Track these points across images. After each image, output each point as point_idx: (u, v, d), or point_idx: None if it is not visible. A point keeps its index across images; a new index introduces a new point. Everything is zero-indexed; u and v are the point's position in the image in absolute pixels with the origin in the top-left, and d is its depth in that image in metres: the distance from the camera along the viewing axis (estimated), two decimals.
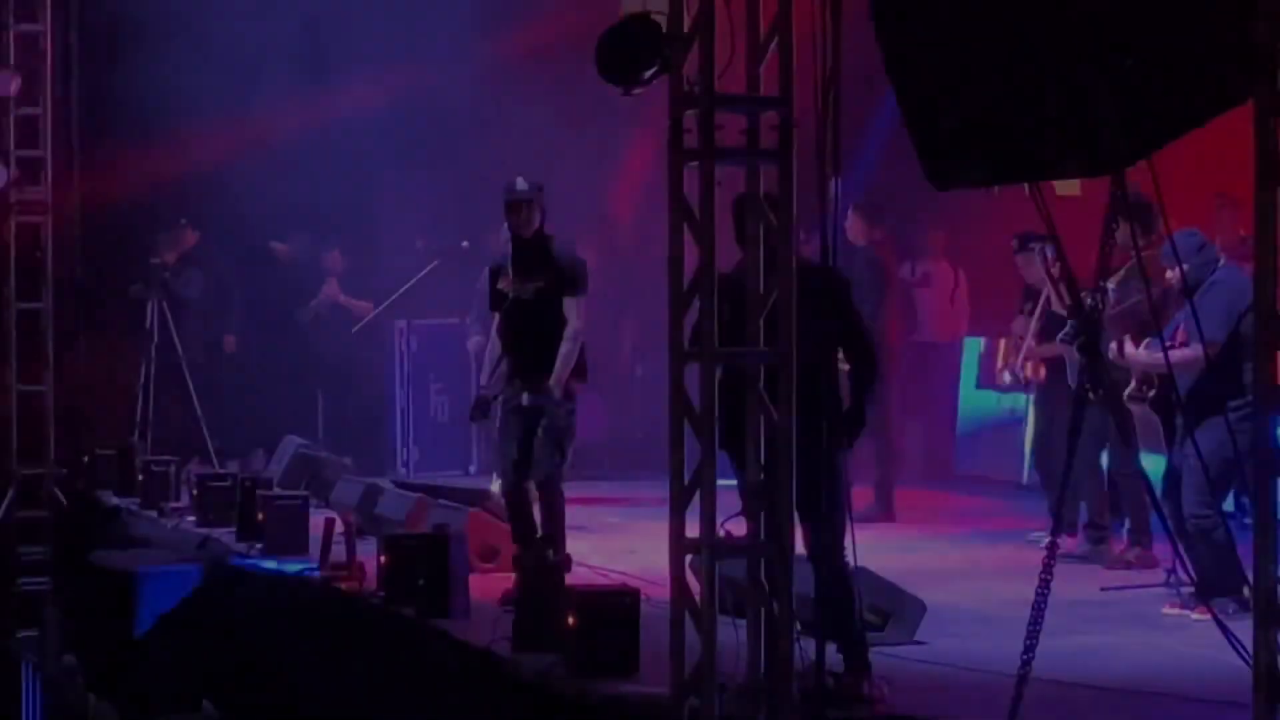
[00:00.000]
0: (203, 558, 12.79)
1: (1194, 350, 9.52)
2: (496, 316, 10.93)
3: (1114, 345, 10.36)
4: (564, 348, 10.50)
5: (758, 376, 7.54)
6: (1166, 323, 10.25)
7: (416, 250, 17.26)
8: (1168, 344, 9.62)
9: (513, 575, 9.89)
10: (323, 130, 16.66)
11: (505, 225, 10.93)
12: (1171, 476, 9.97)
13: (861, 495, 13.60)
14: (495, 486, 14.47)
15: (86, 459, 16.08)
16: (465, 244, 17.14)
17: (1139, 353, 10.27)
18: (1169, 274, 10.06)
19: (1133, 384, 10.33)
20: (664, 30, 7.43)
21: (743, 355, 7.57)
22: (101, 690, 12.30)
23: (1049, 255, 11.65)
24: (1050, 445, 12.34)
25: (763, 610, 7.52)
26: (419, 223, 17.47)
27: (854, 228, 13.20)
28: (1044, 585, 7.00)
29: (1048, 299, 11.96)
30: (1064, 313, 11.39)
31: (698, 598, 7.46)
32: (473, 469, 16.57)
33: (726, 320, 7.49)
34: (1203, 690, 8.10)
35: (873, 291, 12.68)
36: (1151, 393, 10.21)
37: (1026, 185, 7.00)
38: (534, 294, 10.60)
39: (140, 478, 14.88)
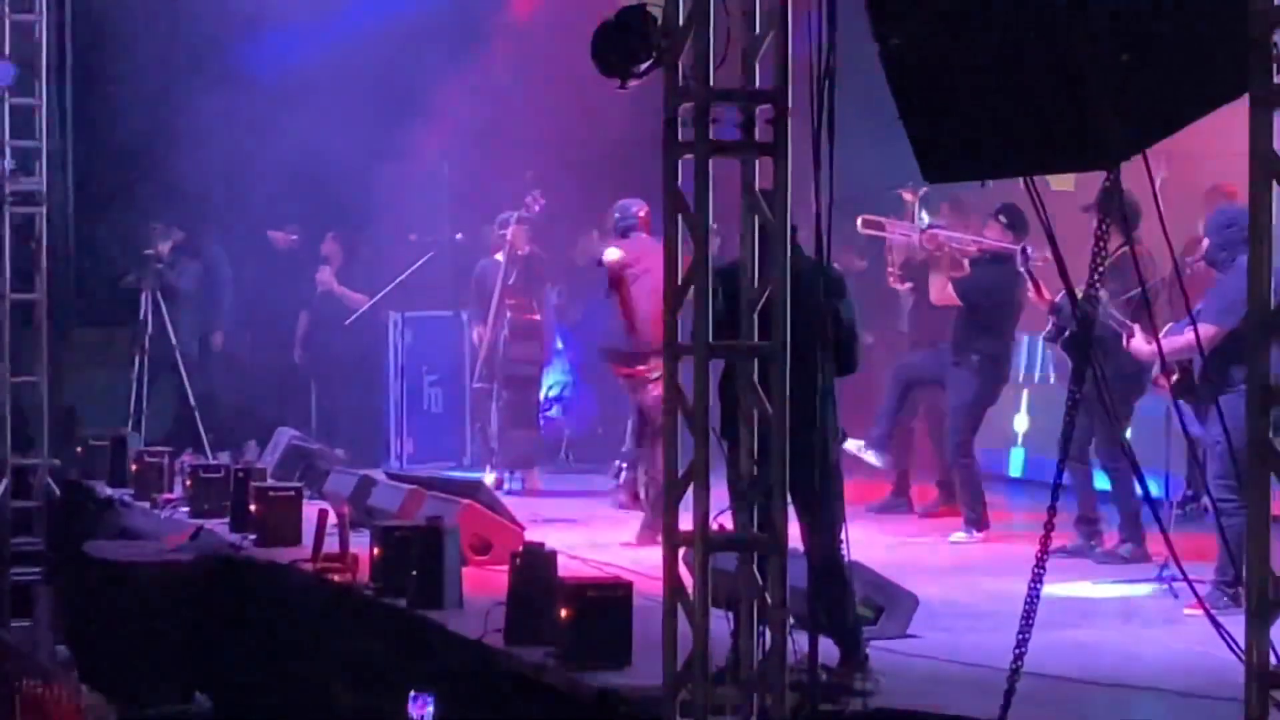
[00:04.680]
0: (196, 549, 12.79)
1: (1204, 330, 9.46)
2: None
3: (1125, 338, 10.42)
4: None
5: (751, 370, 7.54)
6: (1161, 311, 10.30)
7: (410, 243, 17.25)
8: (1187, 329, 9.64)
9: (505, 568, 9.90)
10: (317, 122, 16.65)
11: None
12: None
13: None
14: (489, 478, 14.52)
15: (80, 450, 16.09)
16: (459, 236, 17.15)
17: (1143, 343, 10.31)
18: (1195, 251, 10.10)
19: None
20: (660, 23, 7.43)
21: (736, 348, 7.58)
22: (94, 681, 12.28)
23: (1029, 252, 11.73)
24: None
25: (755, 603, 7.52)
26: (413, 215, 17.48)
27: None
28: (1036, 579, 7.01)
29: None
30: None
31: (690, 591, 7.46)
32: (466, 461, 16.57)
33: (721, 312, 7.51)
34: (1194, 684, 8.11)
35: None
36: (1174, 378, 10.15)
37: (1021, 179, 7.01)
38: None
39: (134, 469, 14.89)
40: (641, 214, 12.92)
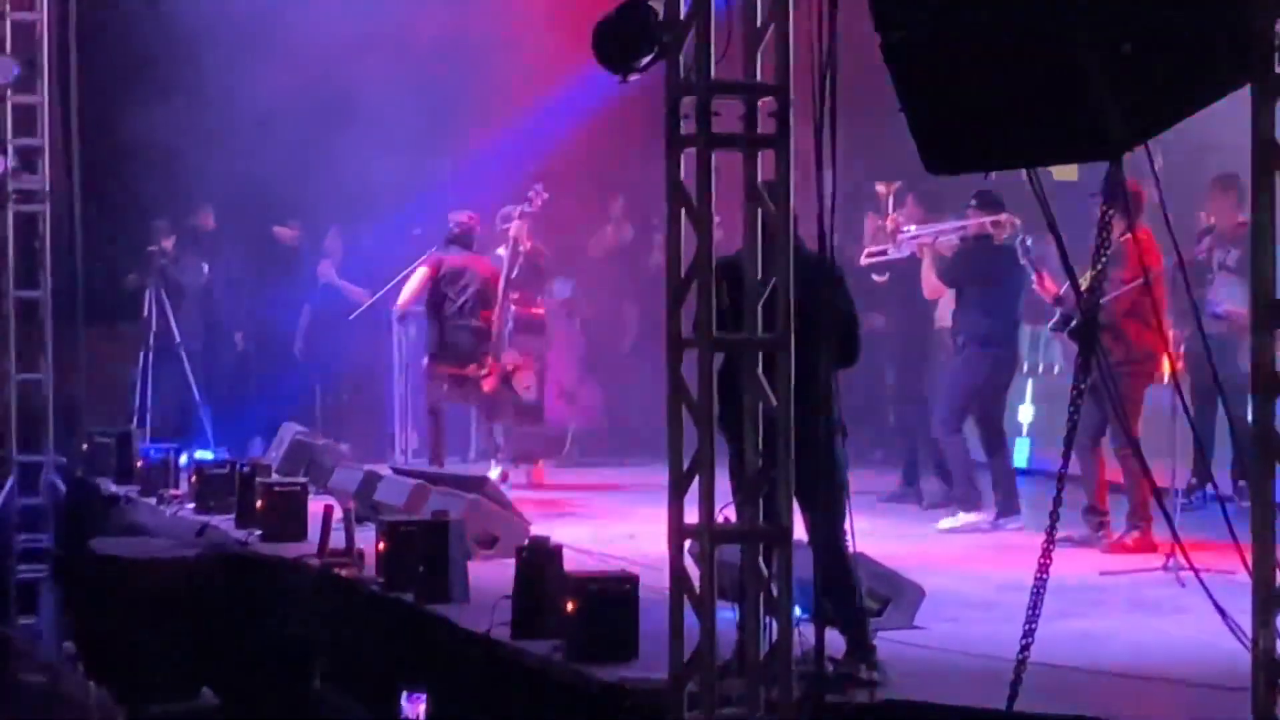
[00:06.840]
0: (201, 545, 12.80)
1: None
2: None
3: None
4: None
5: (755, 362, 7.54)
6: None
7: (414, 237, 17.26)
8: None
9: (511, 562, 9.91)
10: (322, 114, 16.67)
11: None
12: None
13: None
14: (494, 473, 14.53)
15: (85, 447, 16.11)
16: None
17: None
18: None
19: None
20: (660, 16, 7.43)
21: (741, 341, 7.58)
22: (100, 677, 12.31)
23: (1029, 244, 11.74)
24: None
25: (761, 595, 7.53)
26: (417, 209, 17.49)
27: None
28: (1043, 570, 7.02)
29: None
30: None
31: (697, 583, 7.47)
32: (471, 455, 16.58)
33: (725, 304, 7.50)
34: (1201, 674, 8.11)
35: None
36: None
37: (1024, 171, 7.01)
38: None
39: (139, 465, 14.91)
40: (457, 229, 14.45)
